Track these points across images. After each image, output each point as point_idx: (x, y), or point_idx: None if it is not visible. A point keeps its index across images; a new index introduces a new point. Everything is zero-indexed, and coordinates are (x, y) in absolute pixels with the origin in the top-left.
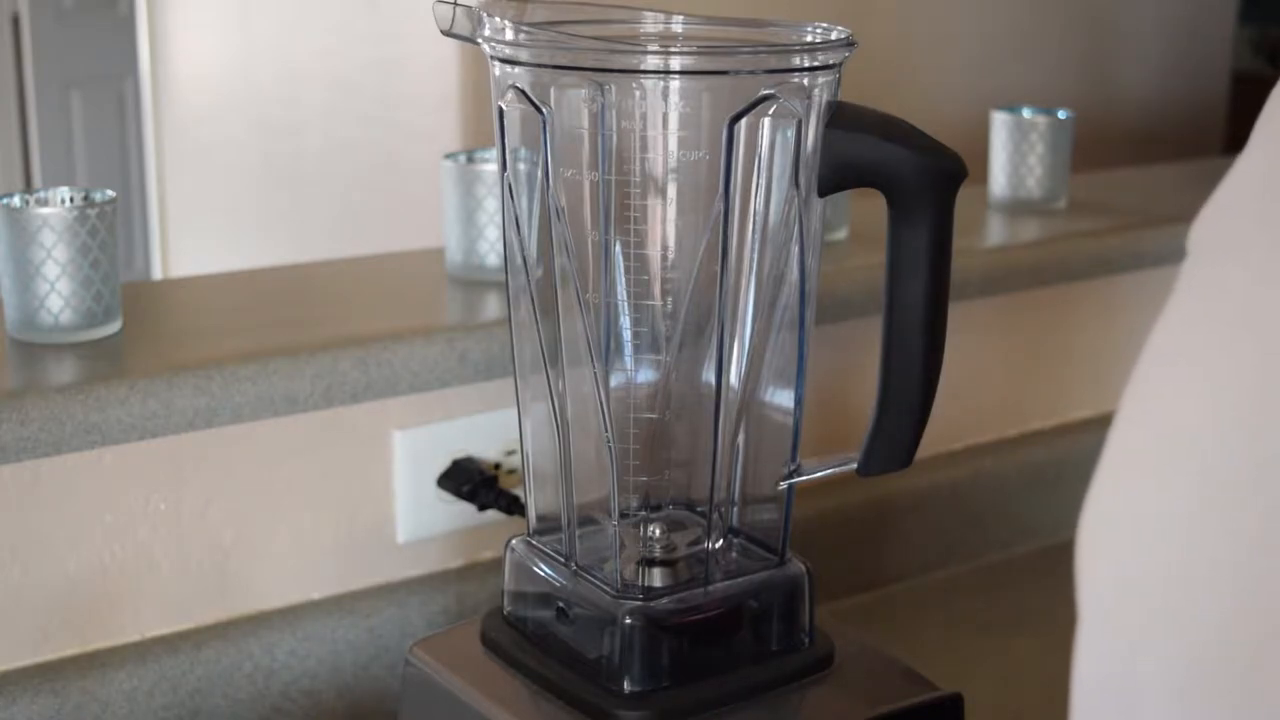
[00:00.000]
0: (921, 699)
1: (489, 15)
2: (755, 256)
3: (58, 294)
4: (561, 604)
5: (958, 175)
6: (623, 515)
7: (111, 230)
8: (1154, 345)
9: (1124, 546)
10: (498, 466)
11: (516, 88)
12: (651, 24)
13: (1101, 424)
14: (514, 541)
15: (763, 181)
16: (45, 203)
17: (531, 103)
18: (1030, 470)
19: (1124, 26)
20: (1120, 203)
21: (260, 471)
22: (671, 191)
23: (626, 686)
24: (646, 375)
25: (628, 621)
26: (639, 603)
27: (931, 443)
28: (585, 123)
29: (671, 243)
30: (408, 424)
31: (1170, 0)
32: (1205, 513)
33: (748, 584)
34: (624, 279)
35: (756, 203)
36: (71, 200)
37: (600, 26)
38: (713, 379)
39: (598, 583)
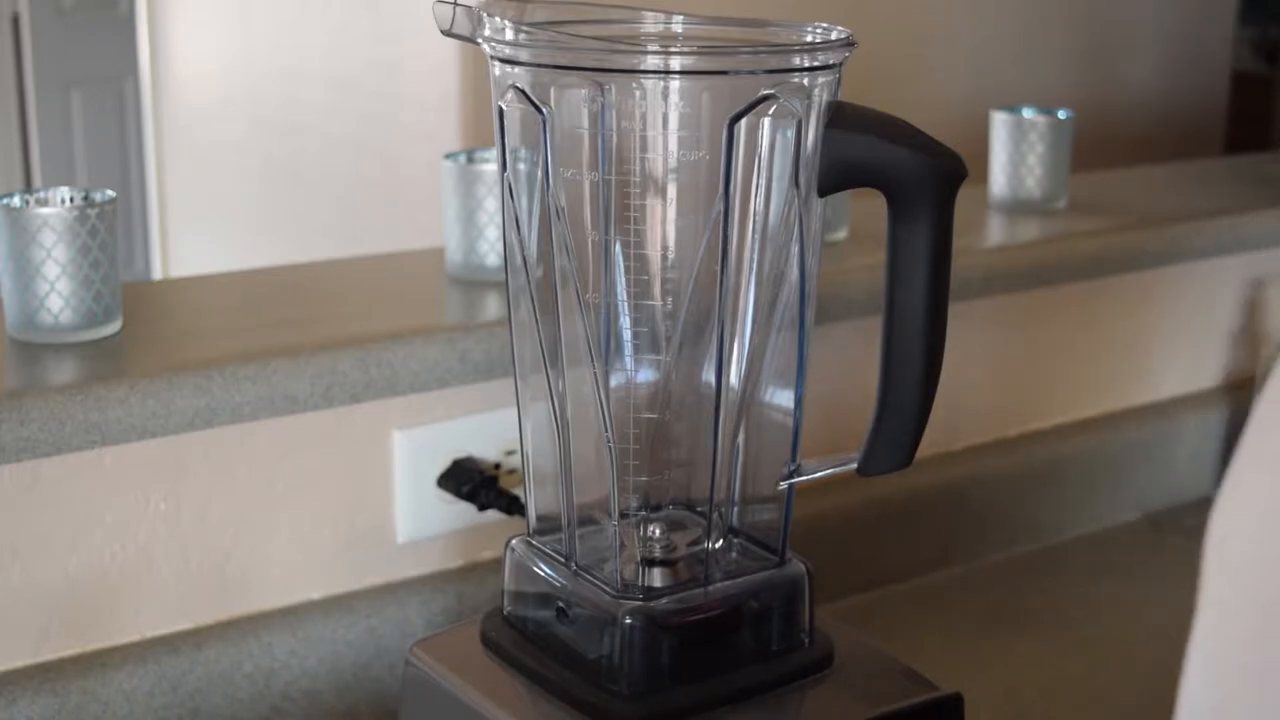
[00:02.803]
0: (921, 699)
1: (489, 15)
2: (755, 256)
3: (58, 294)
4: (561, 604)
5: (958, 175)
6: (623, 515)
7: (111, 230)
8: None
9: (1251, 537)
10: (498, 466)
11: (516, 88)
12: (651, 24)
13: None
14: (514, 541)
15: (763, 181)
16: (45, 203)
17: (531, 103)
18: (1030, 470)
19: (1124, 26)
20: (1120, 203)
21: (260, 471)
22: (671, 191)
23: (626, 686)
24: (646, 375)
25: (628, 621)
26: (639, 603)
27: (931, 443)
28: (585, 123)
29: (671, 243)
30: (408, 424)
31: (1170, 0)
32: None
33: (748, 584)
34: (624, 279)
35: (756, 203)
36: (71, 200)
37: (600, 26)
38: (713, 379)
39: (598, 583)
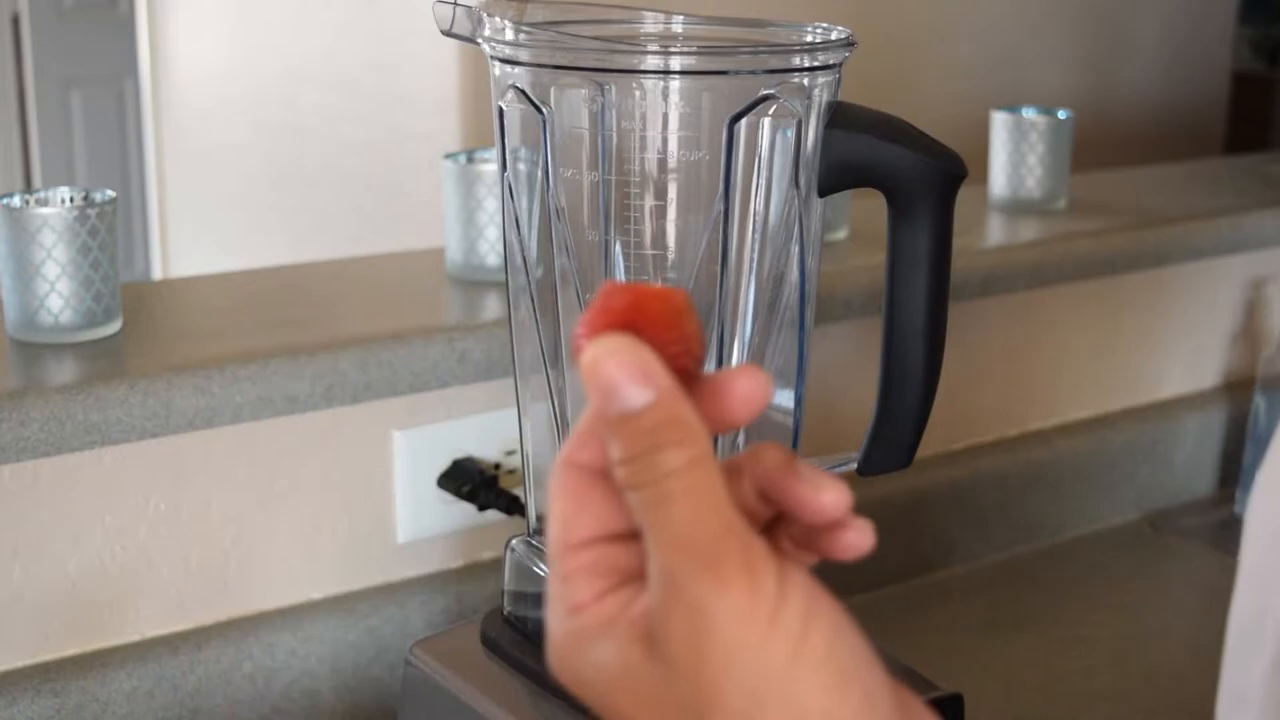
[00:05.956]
0: (921, 699)
1: (489, 15)
2: (755, 256)
3: (58, 294)
4: None
5: (958, 175)
6: None
7: (111, 230)
8: None
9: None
10: (498, 466)
11: (516, 88)
12: (651, 24)
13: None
14: (514, 541)
15: (763, 181)
16: (45, 203)
17: (531, 103)
18: (1030, 470)
19: (1124, 26)
20: (1120, 203)
21: (260, 471)
22: (671, 191)
23: None
24: None
25: None
26: None
27: (931, 443)
28: (585, 123)
29: (671, 243)
30: (408, 424)
31: (1170, 0)
32: None
33: None
34: (624, 279)
35: (756, 203)
36: (71, 200)
37: (600, 26)
38: None
39: None
